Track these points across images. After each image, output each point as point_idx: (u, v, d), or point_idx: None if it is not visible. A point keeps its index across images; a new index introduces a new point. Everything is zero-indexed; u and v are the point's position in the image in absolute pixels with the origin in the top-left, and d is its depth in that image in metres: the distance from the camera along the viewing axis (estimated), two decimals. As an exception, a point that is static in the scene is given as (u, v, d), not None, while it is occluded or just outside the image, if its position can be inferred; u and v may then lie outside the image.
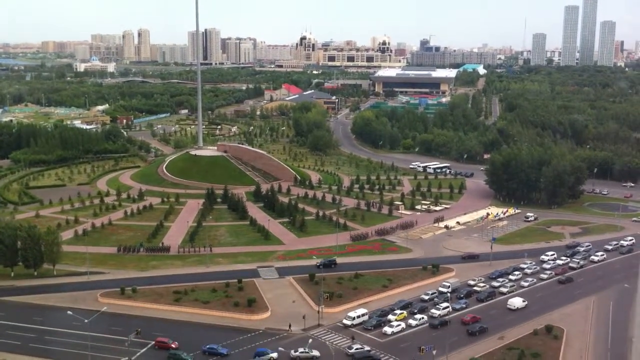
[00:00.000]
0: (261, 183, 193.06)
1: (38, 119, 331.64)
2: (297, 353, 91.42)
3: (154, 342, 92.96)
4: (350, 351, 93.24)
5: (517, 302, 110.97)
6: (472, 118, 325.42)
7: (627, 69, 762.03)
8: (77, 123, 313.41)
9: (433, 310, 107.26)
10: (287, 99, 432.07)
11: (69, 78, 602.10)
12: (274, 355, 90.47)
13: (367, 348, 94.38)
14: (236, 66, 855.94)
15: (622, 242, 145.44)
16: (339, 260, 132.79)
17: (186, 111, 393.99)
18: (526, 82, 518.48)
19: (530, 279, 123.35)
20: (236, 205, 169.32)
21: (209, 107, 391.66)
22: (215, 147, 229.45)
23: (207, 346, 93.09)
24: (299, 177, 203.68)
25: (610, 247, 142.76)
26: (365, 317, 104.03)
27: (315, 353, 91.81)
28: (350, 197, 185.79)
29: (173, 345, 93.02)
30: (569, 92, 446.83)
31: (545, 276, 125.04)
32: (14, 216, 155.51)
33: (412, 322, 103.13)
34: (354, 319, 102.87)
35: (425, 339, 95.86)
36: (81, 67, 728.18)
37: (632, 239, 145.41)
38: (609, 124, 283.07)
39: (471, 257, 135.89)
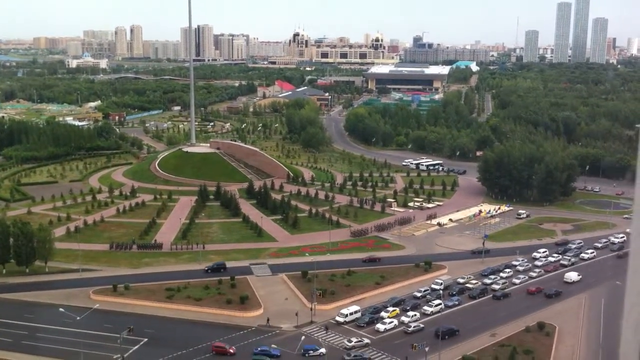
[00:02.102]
0: (254, 180, 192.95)
1: (30, 116, 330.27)
2: (352, 343, 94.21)
3: (211, 348, 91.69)
4: (409, 330, 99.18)
5: (572, 276, 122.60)
6: (465, 115, 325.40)
7: (619, 66, 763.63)
8: (69, 119, 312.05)
9: (425, 307, 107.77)
10: (280, 95, 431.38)
11: (61, 75, 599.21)
12: (323, 350, 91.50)
13: (421, 326, 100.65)
14: (229, 62, 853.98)
15: (612, 239, 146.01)
16: (333, 257, 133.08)
17: (179, 108, 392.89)
18: (519, 79, 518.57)
19: (522, 276, 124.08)
20: (229, 202, 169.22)
21: (202, 104, 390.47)
22: (208, 144, 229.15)
23: (259, 349, 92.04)
24: (291, 174, 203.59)
25: (600, 245, 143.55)
26: (358, 314, 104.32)
27: (367, 340, 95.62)
28: (343, 194, 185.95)
29: (231, 350, 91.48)
30: (561, 89, 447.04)
31: (534, 274, 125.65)
32: (6, 213, 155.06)
33: (404, 319, 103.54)
34: (346, 316, 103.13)
35: (418, 337, 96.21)
36: (73, 63, 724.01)
37: (623, 236, 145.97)
38: (601, 121, 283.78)
39: (372, 261, 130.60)
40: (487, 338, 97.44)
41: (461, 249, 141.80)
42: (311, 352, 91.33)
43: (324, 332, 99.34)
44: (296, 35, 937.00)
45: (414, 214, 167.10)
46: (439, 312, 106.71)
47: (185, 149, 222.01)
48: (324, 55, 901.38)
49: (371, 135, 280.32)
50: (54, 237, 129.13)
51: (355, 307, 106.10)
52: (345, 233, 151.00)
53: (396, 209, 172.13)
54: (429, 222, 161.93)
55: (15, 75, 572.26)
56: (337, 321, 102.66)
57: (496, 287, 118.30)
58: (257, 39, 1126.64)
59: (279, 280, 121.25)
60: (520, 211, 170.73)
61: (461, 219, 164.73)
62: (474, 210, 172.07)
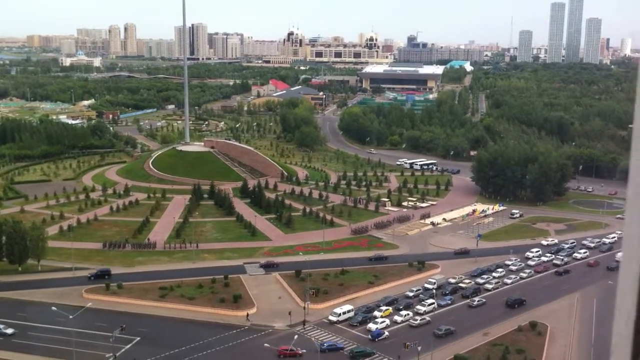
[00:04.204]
0: (248, 179, 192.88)
1: (23, 114, 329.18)
2: (417, 322, 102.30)
3: (277, 352, 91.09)
4: (473, 304, 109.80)
5: None
6: (459, 115, 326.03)
7: (612, 66, 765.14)
8: (63, 118, 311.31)
9: (418, 307, 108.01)
10: (274, 94, 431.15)
11: (54, 73, 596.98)
12: (387, 333, 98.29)
13: (484, 300, 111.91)
14: (223, 61, 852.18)
15: (604, 239, 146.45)
16: (327, 256, 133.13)
17: (173, 106, 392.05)
18: (512, 79, 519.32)
19: (513, 276, 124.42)
20: (223, 201, 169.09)
21: (196, 103, 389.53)
22: (202, 143, 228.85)
23: (326, 344, 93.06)
24: (285, 173, 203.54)
25: (592, 245, 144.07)
26: (351, 314, 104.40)
27: (428, 318, 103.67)
28: (337, 193, 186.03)
29: (300, 352, 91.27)
30: (554, 89, 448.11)
31: (524, 274, 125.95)
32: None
33: (397, 318, 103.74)
34: (339, 315, 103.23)
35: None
36: (67, 61, 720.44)
37: (615, 237, 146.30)
38: (594, 122, 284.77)
39: (270, 266, 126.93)
40: (479, 337, 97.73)
41: (455, 248, 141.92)
42: (379, 337, 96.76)
43: (302, 328, 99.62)
44: (290, 34, 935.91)
45: (412, 212, 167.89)
46: (432, 311, 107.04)
47: (180, 147, 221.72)
48: (318, 54, 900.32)
49: (365, 135, 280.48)
50: (47, 236, 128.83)
51: (348, 307, 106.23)
52: (346, 231, 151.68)
53: (390, 208, 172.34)
54: (422, 221, 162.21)
55: (9, 73, 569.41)
56: (330, 320, 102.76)
57: (489, 286, 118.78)
58: (252, 38, 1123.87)
59: (273, 279, 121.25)
60: (514, 211, 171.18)
61: (455, 219, 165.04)
62: (468, 209, 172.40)
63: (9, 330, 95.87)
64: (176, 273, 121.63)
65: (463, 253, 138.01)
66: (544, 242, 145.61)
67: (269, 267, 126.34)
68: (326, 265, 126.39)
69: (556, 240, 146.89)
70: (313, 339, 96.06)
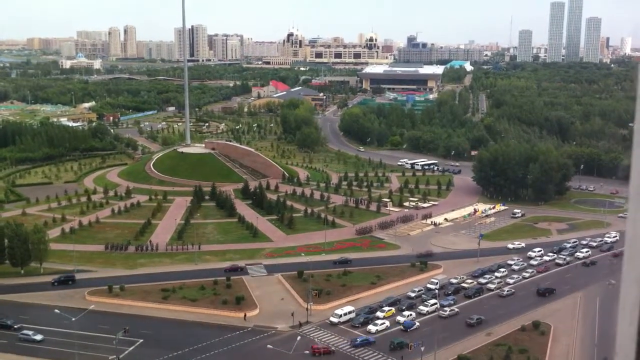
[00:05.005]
0: (249, 180, 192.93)
1: (24, 117, 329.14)
2: (447, 313, 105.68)
3: (310, 351, 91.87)
4: (503, 294, 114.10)
5: None
6: (459, 114, 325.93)
7: (612, 65, 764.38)
8: (64, 120, 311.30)
9: (421, 307, 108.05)
10: (274, 95, 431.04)
11: (54, 75, 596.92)
12: (418, 324, 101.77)
13: (513, 290, 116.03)
14: (223, 63, 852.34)
15: (605, 238, 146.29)
16: (328, 257, 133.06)
17: (173, 108, 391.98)
18: (512, 79, 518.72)
19: (516, 276, 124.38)
20: (224, 202, 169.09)
21: (196, 104, 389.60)
22: (203, 145, 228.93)
23: (359, 339, 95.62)
24: (287, 174, 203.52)
25: (595, 244, 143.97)
26: (352, 315, 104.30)
27: (457, 309, 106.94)
28: (338, 194, 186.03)
29: (332, 349, 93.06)
30: (555, 89, 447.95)
31: (527, 274, 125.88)
32: (0, 214, 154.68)
33: (400, 318, 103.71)
34: (340, 316, 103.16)
35: (414, 336, 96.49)
36: (67, 64, 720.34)
37: (616, 236, 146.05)
38: (594, 121, 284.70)
39: (233, 270, 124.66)
40: (482, 337, 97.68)
41: (457, 248, 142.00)
42: (411, 328, 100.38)
43: (300, 330, 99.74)
44: (290, 35, 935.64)
45: (415, 212, 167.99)
46: (434, 311, 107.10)
47: (180, 149, 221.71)
48: (318, 55, 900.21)
49: (366, 135, 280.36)
50: (48, 238, 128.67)
51: (349, 308, 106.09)
52: (347, 232, 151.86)
53: (391, 208, 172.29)
54: (424, 221, 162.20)
55: (9, 76, 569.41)
56: (331, 321, 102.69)
57: (491, 286, 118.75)
58: (251, 39, 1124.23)
59: (275, 280, 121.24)
60: (515, 210, 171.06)
61: (456, 219, 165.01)
62: (469, 209, 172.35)
63: (39, 337, 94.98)
64: (178, 275, 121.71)
65: (427, 256, 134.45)
66: (510, 246, 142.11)
67: (231, 271, 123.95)
68: (327, 267, 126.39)
69: (524, 245, 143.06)
70: (316, 339, 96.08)
